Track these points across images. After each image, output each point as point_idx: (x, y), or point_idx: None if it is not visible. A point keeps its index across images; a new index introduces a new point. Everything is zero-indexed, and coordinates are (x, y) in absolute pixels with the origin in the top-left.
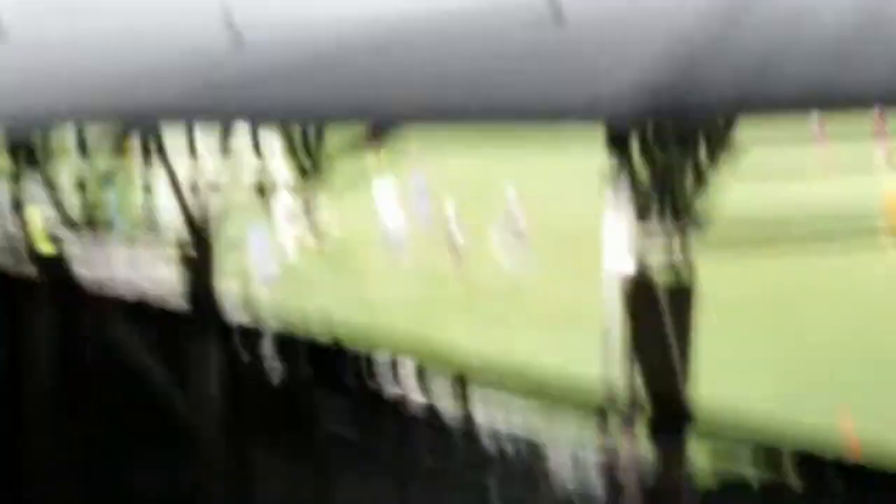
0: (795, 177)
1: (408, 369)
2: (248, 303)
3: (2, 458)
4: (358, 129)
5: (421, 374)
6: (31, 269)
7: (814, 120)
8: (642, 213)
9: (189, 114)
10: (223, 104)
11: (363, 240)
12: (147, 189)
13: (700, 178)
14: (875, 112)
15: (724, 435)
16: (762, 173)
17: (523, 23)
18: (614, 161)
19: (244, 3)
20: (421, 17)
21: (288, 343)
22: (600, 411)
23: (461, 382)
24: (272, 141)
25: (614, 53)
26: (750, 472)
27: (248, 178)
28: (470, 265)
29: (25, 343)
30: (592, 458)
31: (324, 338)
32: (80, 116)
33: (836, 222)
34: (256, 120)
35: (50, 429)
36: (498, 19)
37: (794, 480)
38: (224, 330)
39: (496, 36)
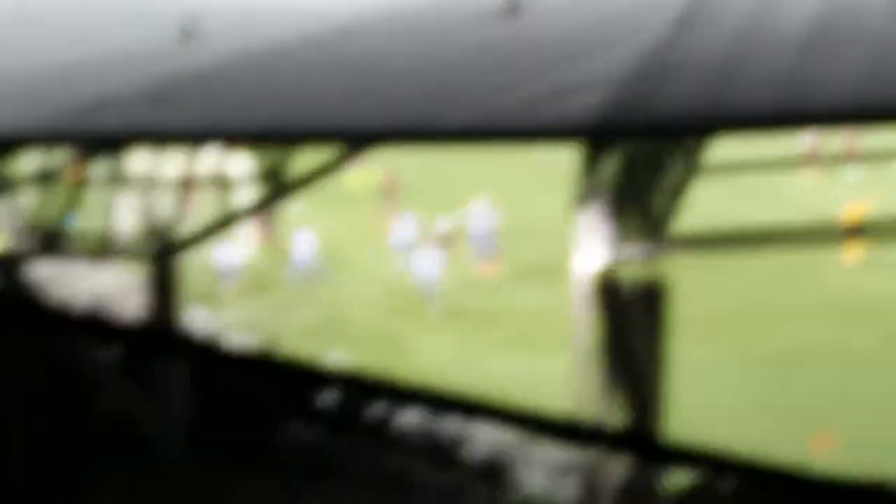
0: (770, 187)
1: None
2: (210, 302)
3: None
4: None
5: (387, 390)
6: None
7: (804, 133)
8: (613, 221)
9: (146, 125)
10: (175, 99)
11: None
12: (107, 206)
13: (671, 188)
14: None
15: (695, 452)
16: (735, 182)
17: (478, 17)
18: (585, 172)
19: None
20: (372, 13)
21: (253, 358)
22: (573, 428)
23: (428, 397)
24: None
25: (574, 47)
26: (724, 487)
27: (208, 176)
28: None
29: None
30: (567, 475)
31: (287, 351)
32: (35, 138)
33: (802, 233)
34: (216, 130)
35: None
36: (452, 14)
37: (765, 498)
38: (188, 346)
39: (452, 31)
